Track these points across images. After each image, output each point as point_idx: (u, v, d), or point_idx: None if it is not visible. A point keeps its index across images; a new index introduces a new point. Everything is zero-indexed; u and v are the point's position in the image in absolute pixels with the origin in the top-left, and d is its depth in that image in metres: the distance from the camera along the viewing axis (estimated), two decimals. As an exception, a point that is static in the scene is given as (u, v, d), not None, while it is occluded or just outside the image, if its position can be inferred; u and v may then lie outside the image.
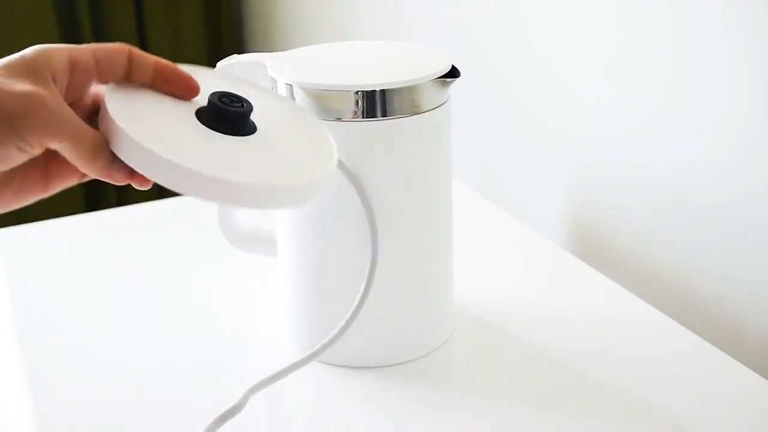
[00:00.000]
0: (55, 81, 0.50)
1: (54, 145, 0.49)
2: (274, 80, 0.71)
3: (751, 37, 0.78)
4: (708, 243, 0.85)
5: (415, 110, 0.69)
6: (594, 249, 1.00)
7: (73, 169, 0.54)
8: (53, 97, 0.49)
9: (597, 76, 0.96)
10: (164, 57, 0.57)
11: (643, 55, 0.89)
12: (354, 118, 0.68)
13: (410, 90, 0.68)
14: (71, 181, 0.55)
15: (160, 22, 1.88)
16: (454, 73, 0.70)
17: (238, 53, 0.79)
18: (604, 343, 0.77)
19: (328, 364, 0.74)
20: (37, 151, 0.49)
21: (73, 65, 0.52)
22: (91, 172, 0.51)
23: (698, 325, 0.83)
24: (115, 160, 0.50)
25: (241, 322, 0.81)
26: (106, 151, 0.50)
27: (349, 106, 0.67)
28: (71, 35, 1.83)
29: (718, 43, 0.81)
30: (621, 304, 0.83)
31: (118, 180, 0.52)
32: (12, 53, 0.51)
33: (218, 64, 0.76)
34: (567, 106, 1.01)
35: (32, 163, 0.52)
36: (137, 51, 0.54)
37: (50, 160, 0.54)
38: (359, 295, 0.70)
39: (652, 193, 0.91)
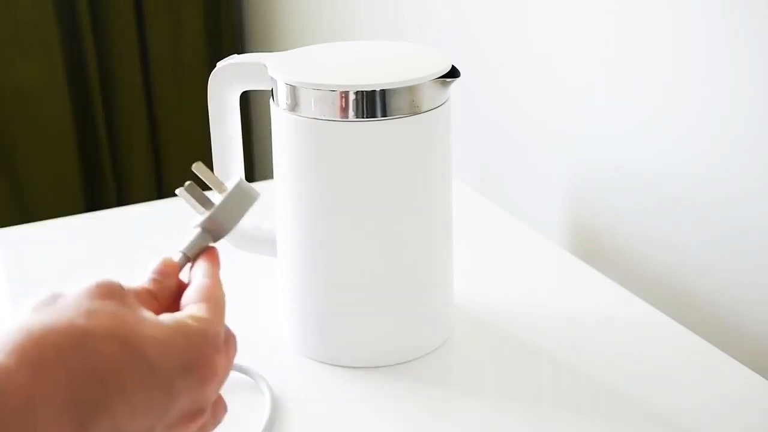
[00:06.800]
0: None
1: None
2: (274, 80, 0.71)
3: (751, 37, 0.78)
4: (708, 243, 0.85)
5: (414, 110, 0.69)
6: (594, 249, 1.00)
7: None
8: None
9: (597, 76, 0.96)
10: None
11: (643, 55, 0.89)
12: (354, 118, 0.68)
13: (410, 90, 0.68)
14: None
15: (160, 22, 1.88)
16: (454, 73, 0.70)
17: (238, 53, 0.79)
18: (604, 343, 0.77)
19: (328, 364, 0.74)
20: None
21: None
22: None
23: (698, 325, 0.83)
24: None
25: (241, 322, 0.81)
26: None
27: (349, 106, 0.67)
28: (71, 35, 1.83)
29: (718, 43, 0.81)
30: (621, 304, 0.83)
31: None
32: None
33: (218, 64, 0.76)
34: (567, 106, 1.01)
35: None
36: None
37: None
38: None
39: (652, 193, 0.91)
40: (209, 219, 0.56)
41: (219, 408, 0.52)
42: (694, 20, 0.83)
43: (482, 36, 1.14)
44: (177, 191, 0.57)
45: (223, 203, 0.57)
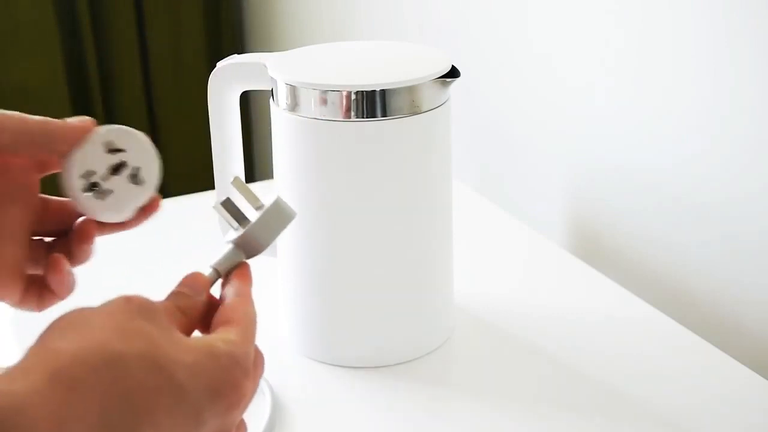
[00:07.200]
0: None
1: None
2: (274, 80, 0.71)
3: (751, 37, 0.78)
4: (708, 243, 0.85)
5: (414, 110, 0.69)
6: (594, 249, 1.00)
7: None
8: None
9: (597, 76, 0.96)
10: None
11: (644, 56, 0.89)
12: (354, 118, 0.68)
13: (410, 90, 0.68)
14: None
15: (160, 22, 1.88)
16: (454, 73, 0.70)
17: (238, 53, 0.79)
18: (604, 343, 0.77)
19: (328, 364, 0.74)
20: None
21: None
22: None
23: (698, 325, 0.83)
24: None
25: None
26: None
27: (349, 106, 0.67)
28: (71, 35, 1.83)
29: (718, 44, 0.81)
30: (621, 304, 0.83)
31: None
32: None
33: (218, 64, 0.76)
34: (567, 106, 1.01)
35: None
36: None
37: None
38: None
39: (652, 193, 0.91)
40: (244, 235, 0.55)
41: (241, 429, 0.52)
42: (694, 20, 0.83)
43: (482, 36, 1.14)
44: (213, 206, 0.56)
45: (260, 220, 0.56)
